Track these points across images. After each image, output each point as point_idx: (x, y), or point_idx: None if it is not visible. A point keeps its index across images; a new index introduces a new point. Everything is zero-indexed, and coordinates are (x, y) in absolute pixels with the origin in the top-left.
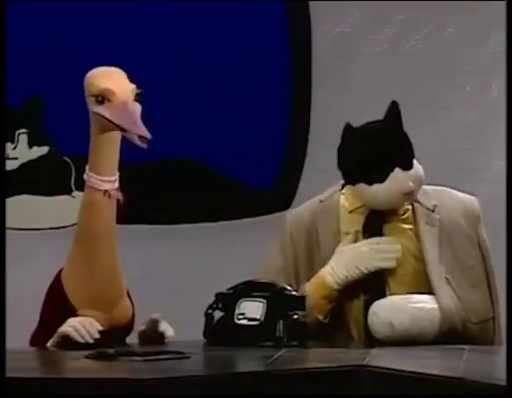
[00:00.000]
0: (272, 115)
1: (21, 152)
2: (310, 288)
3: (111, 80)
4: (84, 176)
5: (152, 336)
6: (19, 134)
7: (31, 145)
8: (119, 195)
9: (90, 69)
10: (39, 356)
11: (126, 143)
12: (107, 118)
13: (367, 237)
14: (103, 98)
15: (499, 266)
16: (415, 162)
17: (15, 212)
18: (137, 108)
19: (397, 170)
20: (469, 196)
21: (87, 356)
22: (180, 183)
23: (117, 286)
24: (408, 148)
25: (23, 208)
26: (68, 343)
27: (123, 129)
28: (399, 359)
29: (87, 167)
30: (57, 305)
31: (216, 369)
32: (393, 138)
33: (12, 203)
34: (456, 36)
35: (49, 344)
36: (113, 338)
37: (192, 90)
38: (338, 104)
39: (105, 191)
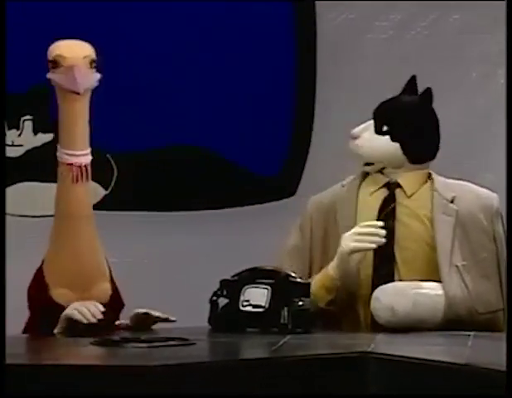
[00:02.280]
0: (278, 103)
1: (26, 138)
2: (316, 278)
3: (65, 48)
4: (57, 154)
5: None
6: (24, 121)
7: (35, 132)
8: (89, 170)
9: None
10: (44, 343)
11: (132, 131)
12: (57, 83)
13: (381, 221)
14: (56, 64)
15: None
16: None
17: (18, 199)
18: (91, 74)
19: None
20: (489, 192)
21: (92, 343)
22: (186, 170)
23: (94, 265)
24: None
25: (27, 195)
26: (73, 327)
27: (74, 92)
28: (404, 345)
29: (58, 146)
30: (37, 286)
31: (221, 355)
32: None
33: (16, 190)
34: (462, 22)
35: (56, 331)
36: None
37: (201, 81)
38: (343, 91)
39: (79, 166)
